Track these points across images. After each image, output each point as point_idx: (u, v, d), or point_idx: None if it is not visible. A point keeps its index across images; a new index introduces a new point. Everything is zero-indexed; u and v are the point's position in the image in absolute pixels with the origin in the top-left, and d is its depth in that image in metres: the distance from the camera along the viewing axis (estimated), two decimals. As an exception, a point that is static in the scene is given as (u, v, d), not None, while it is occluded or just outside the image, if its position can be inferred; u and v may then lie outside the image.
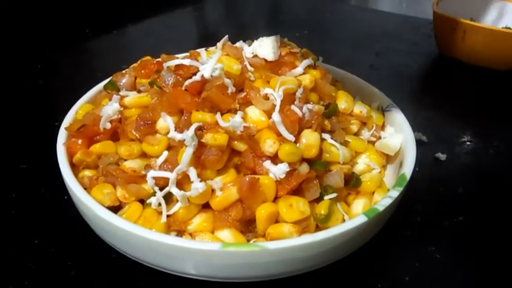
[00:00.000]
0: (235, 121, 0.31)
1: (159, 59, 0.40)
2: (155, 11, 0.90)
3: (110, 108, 0.36)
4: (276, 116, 0.33)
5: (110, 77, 0.41)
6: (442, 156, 0.48)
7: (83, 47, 0.76)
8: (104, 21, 0.83)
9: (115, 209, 0.33)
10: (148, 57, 0.42)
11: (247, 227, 0.33)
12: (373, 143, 0.41)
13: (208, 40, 0.41)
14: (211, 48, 0.41)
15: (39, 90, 0.61)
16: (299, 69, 0.38)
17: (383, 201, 0.32)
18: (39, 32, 0.77)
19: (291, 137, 0.33)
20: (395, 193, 0.33)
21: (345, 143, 0.38)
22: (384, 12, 0.96)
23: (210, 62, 0.33)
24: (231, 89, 0.34)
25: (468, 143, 0.52)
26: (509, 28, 0.69)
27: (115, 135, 0.37)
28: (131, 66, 0.41)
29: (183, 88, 0.34)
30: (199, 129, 0.32)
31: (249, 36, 0.41)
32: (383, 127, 0.42)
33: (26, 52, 0.71)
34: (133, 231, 0.28)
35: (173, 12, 0.93)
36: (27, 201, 0.41)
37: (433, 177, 0.46)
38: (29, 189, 0.42)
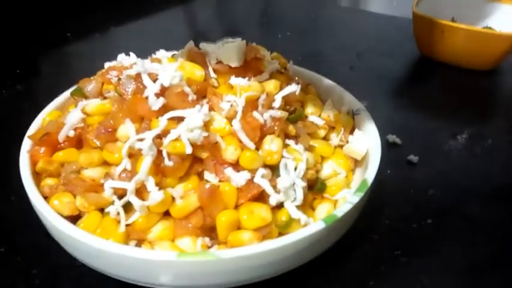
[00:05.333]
0: (194, 133, 0.31)
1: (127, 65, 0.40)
2: (139, 13, 0.89)
3: (74, 116, 0.36)
4: (236, 124, 0.33)
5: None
6: (414, 159, 0.48)
7: (64, 51, 0.75)
8: (85, 24, 0.83)
9: (76, 218, 0.32)
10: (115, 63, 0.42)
11: (210, 234, 0.33)
12: (342, 147, 0.41)
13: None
14: (178, 53, 0.41)
15: (18, 96, 0.61)
16: (265, 75, 0.38)
17: (343, 207, 0.32)
18: (18, 35, 0.77)
19: (251, 144, 0.33)
20: (355, 199, 0.33)
21: (311, 148, 0.38)
22: (370, 13, 0.96)
23: (169, 70, 0.33)
24: (192, 97, 0.34)
25: (443, 145, 0.52)
26: (489, 28, 0.69)
27: (81, 143, 0.37)
28: (98, 72, 0.41)
29: (144, 96, 0.33)
30: (158, 137, 0.32)
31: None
32: (352, 131, 0.42)
33: (5, 56, 0.71)
34: (87, 242, 0.28)
35: (158, 14, 0.92)
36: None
37: (404, 179, 0.46)
38: (-2, 196, 0.42)
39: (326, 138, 0.40)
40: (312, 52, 0.72)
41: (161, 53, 0.40)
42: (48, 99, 0.43)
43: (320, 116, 0.40)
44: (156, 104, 0.32)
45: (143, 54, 0.41)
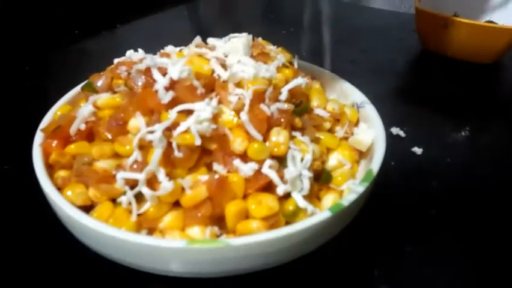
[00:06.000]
0: (203, 126, 0.32)
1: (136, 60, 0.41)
2: (145, 11, 0.90)
3: (85, 110, 0.37)
4: (244, 116, 0.34)
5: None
6: (418, 151, 0.49)
7: (72, 48, 0.76)
8: (92, 22, 0.84)
9: (89, 209, 0.33)
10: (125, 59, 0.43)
11: (219, 223, 0.34)
12: (347, 139, 0.41)
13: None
14: (186, 48, 0.42)
15: (27, 92, 0.62)
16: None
17: (349, 197, 0.33)
18: (27, 33, 0.78)
19: (259, 136, 0.34)
20: (360, 188, 0.33)
21: (316, 140, 0.38)
22: (373, 8, 0.97)
23: (178, 64, 0.34)
24: (201, 90, 0.34)
25: (445, 137, 0.52)
26: (491, 22, 0.70)
27: (92, 137, 0.37)
28: (108, 68, 0.42)
29: (153, 89, 0.34)
30: (168, 129, 0.33)
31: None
32: (357, 123, 0.43)
33: (14, 54, 0.72)
34: (100, 230, 0.29)
35: (163, 12, 0.93)
36: (8, 202, 0.42)
37: (408, 171, 0.46)
38: (10, 190, 0.43)
39: (331, 131, 0.41)
40: (316, 47, 0.73)
41: (170, 48, 0.41)
42: (56, 96, 0.43)
43: (325, 108, 0.41)
44: (166, 97, 0.33)
45: (149, 51, 0.42)
